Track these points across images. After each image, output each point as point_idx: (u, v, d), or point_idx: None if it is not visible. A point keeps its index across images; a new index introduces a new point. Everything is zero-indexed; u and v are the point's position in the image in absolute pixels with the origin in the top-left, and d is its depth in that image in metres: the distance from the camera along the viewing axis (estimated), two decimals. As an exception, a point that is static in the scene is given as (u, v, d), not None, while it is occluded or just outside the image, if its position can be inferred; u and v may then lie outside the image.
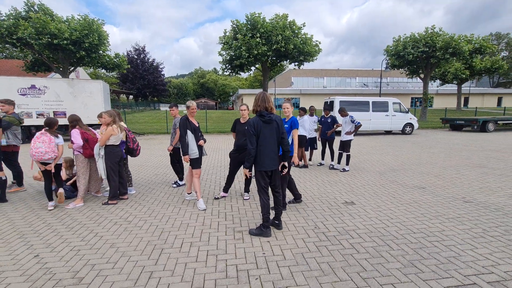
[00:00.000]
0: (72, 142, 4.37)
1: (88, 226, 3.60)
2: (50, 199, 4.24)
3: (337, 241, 3.11)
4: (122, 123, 4.82)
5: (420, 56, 21.60)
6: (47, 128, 4.22)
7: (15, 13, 17.28)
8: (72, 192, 4.81)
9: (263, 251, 2.92)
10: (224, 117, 26.01)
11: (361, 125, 6.63)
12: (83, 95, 13.50)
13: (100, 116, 5.07)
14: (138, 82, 43.17)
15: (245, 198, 4.64)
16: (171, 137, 5.41)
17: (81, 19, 18.42)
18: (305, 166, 7.12)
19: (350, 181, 5.70)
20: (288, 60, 20.28)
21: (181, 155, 4.28)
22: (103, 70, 42.92)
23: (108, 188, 5.10)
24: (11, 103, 5.07)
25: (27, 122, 12.30)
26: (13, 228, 3.53)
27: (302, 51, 19.02)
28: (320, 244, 3.05)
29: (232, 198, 4.68)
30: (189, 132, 4.27)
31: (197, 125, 4.49)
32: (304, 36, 19.34)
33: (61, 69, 19.88)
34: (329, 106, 6.98)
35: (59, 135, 4.29)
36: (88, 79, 28.39)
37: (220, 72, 21.30)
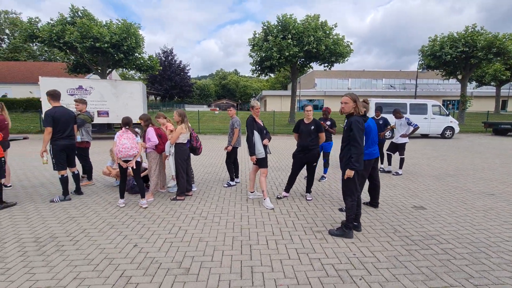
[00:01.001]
0: (146, 141, 4.58)
1: (168, 220, 3.77)
2: (122, 196, 4.38)
3: (425, 246, 3.03)
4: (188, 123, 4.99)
5: (459, 57, 20.52)
6: (127, 126, 4.44)
7: (61, 18, 18.52)
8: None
9: (352, 252, 2.90)
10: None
11: (418, 127, 6.43)
12: (124, 96, 14.16)
13: (158, 117, 5.32)
14: (166, 83, 44.65)
15: (308, 198, 4.64)
16: (228, 137, 5.54)
17: (119, 23, 19.38)
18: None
19: (409, 185, 5.53)
20: (318, 61, 20.03)
21: (249, 155, 4.37)
22: (131, 72, 44.79)
23: (170, 184, 5.33)
24: (84, 102, 5.44)
25: (74, 120, 13.09)
26: (101, 219, 3.77)
27: (334, 52, 18.72)
28: (409, 248, 2.98)
29: (295, 198, 4.71)
30: (255, 133, 4.35)
31: (262, 124, 4.57)
32: (335, 36, 19.04)
33: (99, 70, 21.02)
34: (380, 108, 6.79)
35: (137, 134, 4.48)
36: (118, 79, 29.77)
37: (250, 74, 21.47)
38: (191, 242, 3.11)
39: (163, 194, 4.93)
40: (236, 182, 5.65)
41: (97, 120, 13.82)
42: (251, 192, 4.75)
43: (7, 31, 43.49)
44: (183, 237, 3.24)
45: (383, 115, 6.42)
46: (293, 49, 18.00)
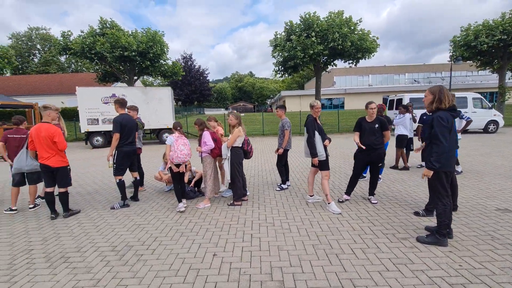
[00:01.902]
0: (202, 145, 4.49)
1: (235, 226, 3.63)
2: (180, 200, 4.35)
3: (540, 255, 2.66)
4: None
5: (496, 45, 19.17)
6: (178, 128, 4.42)
7: (91, 30, 19.28)
8: (193, 193, 5.00)
9: (456, 263, 2.60)
10: (271, 119, 25.98)
11: (472, 121, 5.93)
12: (154, 102, 14.42)
13: (209, 120, 5.22)
14: (186, 88, 45.49)
15: (373, 202, 4.35)
16: (279, 139, 5.35)
17: (144, 32, 19.91)
18: (406, 168, 6.60)
19: (478, 185, 5.08)
20: (344, 59, 19.45)
21: (310, 158, 4.16)
22: (151, 79, 45.91)
23: (221, 189, 5.22)
24: (135, 109, 5.46)
25: (108, 127, 13.42)
26: (168, 226, 3.70)
27: (360, 48, 18.13)
28: (522, 257, 2.64)
29: (357, 201, 4.43)
30: (316, 134, 4.13)
31: (321, 125, 4.34)
32: (361, 32, 18.45)
33: (126, 78, 21.68)
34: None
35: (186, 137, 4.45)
36: (141, 86, 30.67)
37: (274, 74, 21.29)
38: (270, 251, 2.94)
39: (218, 199, 4.83)
40: (287, 185, 5.45)
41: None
42: (311, 196, 4.53)
43: (38, 46, 46.29)
44: (260, 246, 3.07)
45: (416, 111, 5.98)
46: (317, 47, 17.62)
